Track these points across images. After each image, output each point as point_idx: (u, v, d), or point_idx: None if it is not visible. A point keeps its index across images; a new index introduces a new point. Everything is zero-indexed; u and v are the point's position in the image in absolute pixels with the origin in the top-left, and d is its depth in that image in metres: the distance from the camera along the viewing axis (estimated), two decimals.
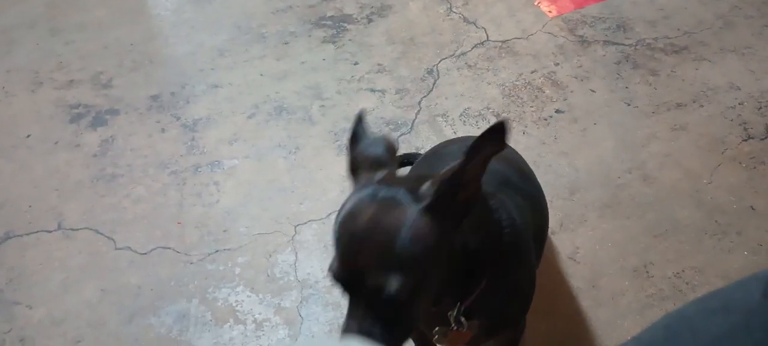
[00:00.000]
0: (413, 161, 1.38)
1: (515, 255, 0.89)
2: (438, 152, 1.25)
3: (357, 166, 0.81)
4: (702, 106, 1.70)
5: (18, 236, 1.50)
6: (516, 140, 1.63)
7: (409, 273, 0.68)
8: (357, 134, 0.84)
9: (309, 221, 1.49)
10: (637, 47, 1.89)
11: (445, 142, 1.32)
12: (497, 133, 0.68)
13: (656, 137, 1.62)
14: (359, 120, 0.85)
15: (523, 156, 1.43)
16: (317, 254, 1.43)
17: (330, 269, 0.72)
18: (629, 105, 1.71)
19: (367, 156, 0.81)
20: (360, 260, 0.69)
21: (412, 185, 0.73)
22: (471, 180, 0.72)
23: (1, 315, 1.34)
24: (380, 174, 0.79)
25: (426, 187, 0.71)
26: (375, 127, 1.70)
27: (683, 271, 1.34)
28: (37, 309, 1.35)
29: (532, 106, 1.73)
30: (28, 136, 1.74)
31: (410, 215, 0.70)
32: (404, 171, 1.51)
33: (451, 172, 0.70)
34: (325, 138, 1.69)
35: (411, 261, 0.68)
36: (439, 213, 0.71)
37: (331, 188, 1.56)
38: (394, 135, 1.67)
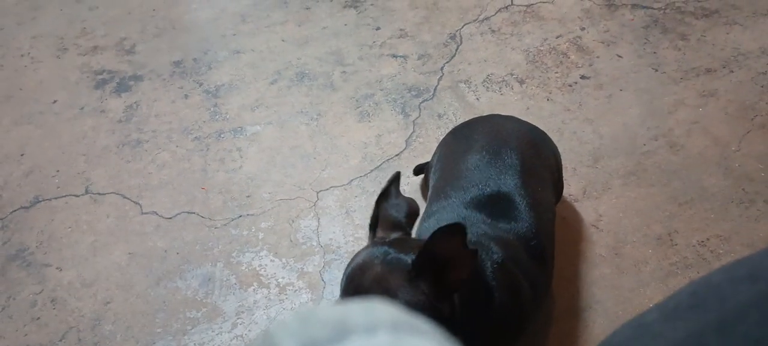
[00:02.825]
0: (424, 169, 1.40)
1: (501, 331, 0.98)
2: (460, 133, 1.26)
3: (378, 222, 0.93)
4: (732, 71, 1.66)
5: (47, 199, 1.53)
6: (539, 107, 1.61)
7: None
8: (387, 193, 0.95)
9: (331, 187, 1.50)
10: (666, 11, 1.84)
11: (469, 122, 1.31)
12: (452, 235, 0.80)
13: (684, 104, 1.59)
14: (394, 180, 0.96)
15: (546, 124, 1.42)
16: (339, 220, 1.44)
17: None
18: (657, 71, 1.68)
19: (389, 216, 0.93)
20: None
21: (414, 251, 0.84)
22: (455, 268, 0.82)
23: (32, 276, 1.38)
24: (395, 235, 0.91)
25: (413, 263, 0.82)
26: (397, 93, 1.69)
27: (708, 239, 1.33)
28: (67, 271, 1.38)
29: (556, 72, 1.70)
30: (55, 101, 1.77)
31: (409, 278, 0.82)
32: (416, 180, 1.50)
33: (421, 250, 0.81)
34: (347, 104, 1.68)
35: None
36: (430, 284, 0.83)
37: (352, 155, 1.56)
38: (416, 101, 1.66)
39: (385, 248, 0.86)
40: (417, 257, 0.83)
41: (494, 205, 1.07)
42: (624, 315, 1.21)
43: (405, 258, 0.84)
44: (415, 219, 0.97)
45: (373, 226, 0.95)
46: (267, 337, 0.25)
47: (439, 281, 0.83)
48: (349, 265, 0.86)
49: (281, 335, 0.24)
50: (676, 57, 1.71)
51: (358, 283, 0.83)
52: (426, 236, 1.06)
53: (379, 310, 0.25)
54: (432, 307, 0.82)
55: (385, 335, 0.24)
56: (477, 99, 1.65)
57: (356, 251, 1.32)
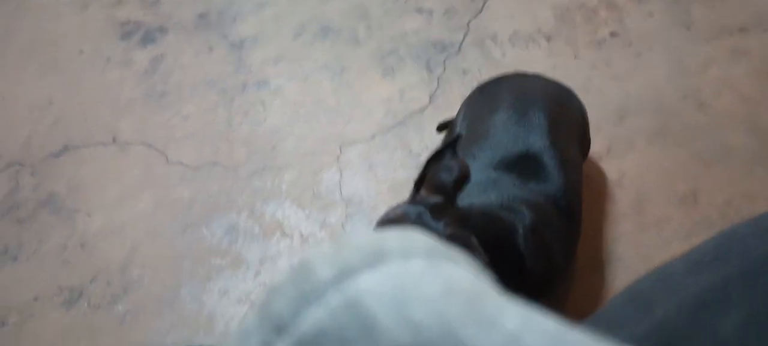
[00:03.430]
0: (447, 126, 1.39)
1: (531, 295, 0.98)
2: (486, 91, 1.25)
3: (423, 181, 0.91)
4: (766, 30, 1.62)
5: (75, 148, 1.56)
6: (566, 64, 1.59)
7: None
8: (441, 154, 0.93)
9: (354, 141, 1.51)
10: None
11: (494, 79, 1.30)
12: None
13: (714, 63, 1.56)
14: (452, 143, 0.93)
15: (573, 81, 1.41)
16: (362, 174, 1.45)
17: None
18: (689, 29, 1.64)
19: (436, 178, 0.91)
20: None
21: (450, 222, 0.83)
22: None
23: (62, 222, 1.42)
24: (436, 199, 0.89)
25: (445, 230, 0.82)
26: (421, 48, 1.68)
27: (733, 199, 1.31)
28: (96, 217, 1.42)
29: (585, 29, 1.67)
30: (81, 52, 1.78)
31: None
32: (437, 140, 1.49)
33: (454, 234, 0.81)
34: (371, 59, 1.68)
35: None
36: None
37: (376, 110, 1.56)
38: (441, 57, 1.65)
39: (421, 208, 0.86)
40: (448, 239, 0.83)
41: (523, 166, 1.06)
42: (645, 271, 1.21)
43: (435, 225, 0.84)
44: (464, 184, 0.95)
45: (418, 184, 0.94)
46: (303, 264, 0.26)
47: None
48: (383, 216, 0.86)
49: (317, 261, 0.25)
50: (709, 15, 1.67)
51: None
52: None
53: (414, 237, 0.26)
54: None
55: (419, 260, 0.24)
56: (503, 55, 1.63)
57: (381, 205, 1.32)
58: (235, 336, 0.26)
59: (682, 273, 0.49)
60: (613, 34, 1.65)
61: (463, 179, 0.94)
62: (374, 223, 1.34)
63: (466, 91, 1.48)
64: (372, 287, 0.23)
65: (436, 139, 1.48)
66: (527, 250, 0.96)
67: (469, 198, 1.05)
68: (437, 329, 0.21)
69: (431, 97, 1.57)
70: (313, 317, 0.23)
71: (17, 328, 1.27)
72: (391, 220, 0.85)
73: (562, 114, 1.17)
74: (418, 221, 0.84)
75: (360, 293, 0.23)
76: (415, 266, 0.24)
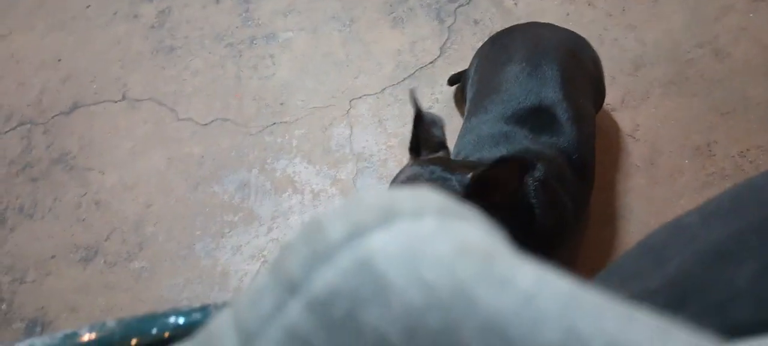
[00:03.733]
0: (460, 79, 1.37)
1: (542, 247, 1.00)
2: (498, 42, 1.23)
3: (419, 144, 0.94)
4: None
5: (86, 105, 1.56)
6: (580, 13, 1.56)
7: None
8: (420, 112, 0.95)
9: (364, 95, 1.49)
10: None
11: (506, 30, 1.28)
12: (515, 168, 0.83)
13: (733, 9, 1.52)
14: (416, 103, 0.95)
15: (587, 31, 1.38)
16: (372, 129, 1.44)
17: None
18: None
19: (431, 135, 0.94)
20: None
21: (461, 172, 0.85)
22: (501, 189, 0.85)
23: (76, 180, 1.43)
24: (440, 154, 0.92)
25: (467, 177, 0.84)
26: None
27: (748, 150, 1.30)
28: (109, 175, 1.43)
29: None
30: (88, 7, 1.77)
31: (455, 197, 0.79)
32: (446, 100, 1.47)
33: (477, 175, 0.83)
34: (380, 10, 1.65)
35: None
36: (475, 202, 0.81)
37: (385, 63, 1.54)
38: (451, 7, 1.62)
39: (431, 167, 0.87)
40: (472, 181, 0.83)
41: (535, 119, 1.05)
42: (657, 224, 1.20)
43: (452, 178, 0.85)
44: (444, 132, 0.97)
45: (414, 148, 0.95)
46: (314, 222, 0.26)
47: (484, 200, 0.83)
48: (396, 178, 0.86)
49: (328, 220, 0.25)
50: None
51: None
52: (465, 152, 1.06)
53: (426, 196, 0.25)
54: None
55: (431, 219, 0.24)
56: (515, 4, 1.60)
57: (391, 160, 1.32)
58: (249, 295, 0.26)
59: (696, 225, 0.48)
60: None
61: (444, 128, 0.98)
62: (384, 178, 1.34)
63: (478, 42, 1.46)
64: (383, 246, 0.23)
65: (448, 93, 1.46)
66: (538, 203, 0.96)
67: (480, 152, 1.04)
68: (449, 288, 0.21)
69: (442, 49, 1.54)
70: (326, 278, 0.23)
71: (36, 285, 1.29)
72: (403, 183, 0.85)
73: (576, 66, 1.15)
74: (434, 178, 0.84)
75: (371, 253, 0.23)
76: (427, 224, 0.24)
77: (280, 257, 0.25)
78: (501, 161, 0.82)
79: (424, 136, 0.94)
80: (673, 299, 0.41)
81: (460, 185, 0.83)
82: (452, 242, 0.23)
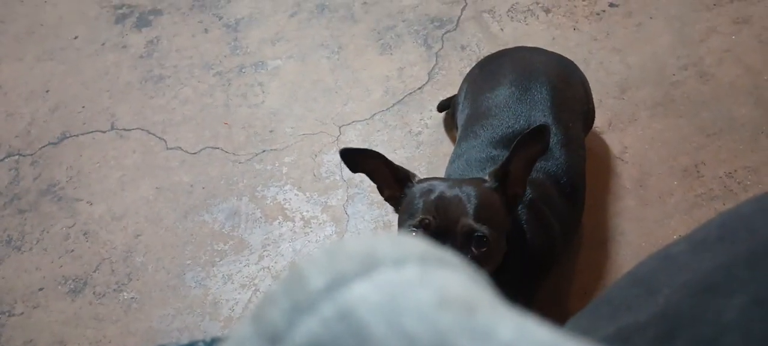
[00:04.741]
0: (449, 104, 1.38)
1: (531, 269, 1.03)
2: (487, 67, 1.24)
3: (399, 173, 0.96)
4: None
5: (74, 135, 1.55)
6: (566, 37, 1.57)
7: (488, 222, 0.85)
8: (373, 153, 0.97)
9: (353, 121, 1.50)
10: None
11: (495, 55, 1.29)
12: (538, 136, 0.88)
13: (716, 31, 1.54)
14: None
15: (573, 54, 1.39)
16: None
17: (420, 225, 0.86)
18: None
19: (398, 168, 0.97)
20: (453, 213, 0.85)
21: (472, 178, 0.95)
22: (517, 178, 0.91)
23: (64, 210, 1.42)
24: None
25: (491, 172, 0.92)
26: (419, 24, 1.66)
27: (736, 171, 1.31)
28: (98, 205, 1.42)
29: (584, 0, 1.65)
30: (76, 37, 1.77)
31: (487, 189, 0.90)
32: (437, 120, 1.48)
33: (501, 165, 0.90)
34: (368, 36, 1.66)
35: (490, 216, 0.86)
36: (501, 195, 0.91)
37: (374, 89, 1.55)
38: (439, 33, 1.63)
39: (445, 181, 0.91)
40: (501, 169, 0.90)
41: None
42: (647, 246, 1.21)
43: (477, 179, 0.92)
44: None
45: (401, 179, 0.96)
46: (294, 272, 0.25)
47: (504, 196, 0.92)
48: (428, 193, 0.88)
49: (310, 269, 0.25)
50: None
51: (446, 195, 0.87)
52: (455, 176, 1.06)
53: (407, 243, 0.25)
54: (503, 213, 0.91)
55: (413, 267, 0.24)
56: (501, 29, 1.61)
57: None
58: (231, 344, 0.26)
59: (685, 254, 0.48)
60: (612, 5, 1.63)
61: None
62: (375, 204, 1.34)
63: (465, 67, 1.47)
64: (365, 296, 0.23)
65: (437, 118, 1.47)
66: (527, 223, 0.97)
67: (469, 176, 1.04)
68: (430, 340, 0.21)
69: (430, 74, 1.55)
70: (307, 328, 0.23)
71: (24, 318, 1.27)
72: (442, 192, 0.89)
73: (565, 89, 1.15)
74: (462, 182, 0.91)
75: (353, 303, 0.23)
76: (409, 272, 0.24)
77: (261, 307, 0.25)
78: (525, 136, 0.88)
79: (394, 167, 0.95)
80: (662, 332, 0.41)
81: (491, 178, 0.90)
82: (434, 292, 0.23)
